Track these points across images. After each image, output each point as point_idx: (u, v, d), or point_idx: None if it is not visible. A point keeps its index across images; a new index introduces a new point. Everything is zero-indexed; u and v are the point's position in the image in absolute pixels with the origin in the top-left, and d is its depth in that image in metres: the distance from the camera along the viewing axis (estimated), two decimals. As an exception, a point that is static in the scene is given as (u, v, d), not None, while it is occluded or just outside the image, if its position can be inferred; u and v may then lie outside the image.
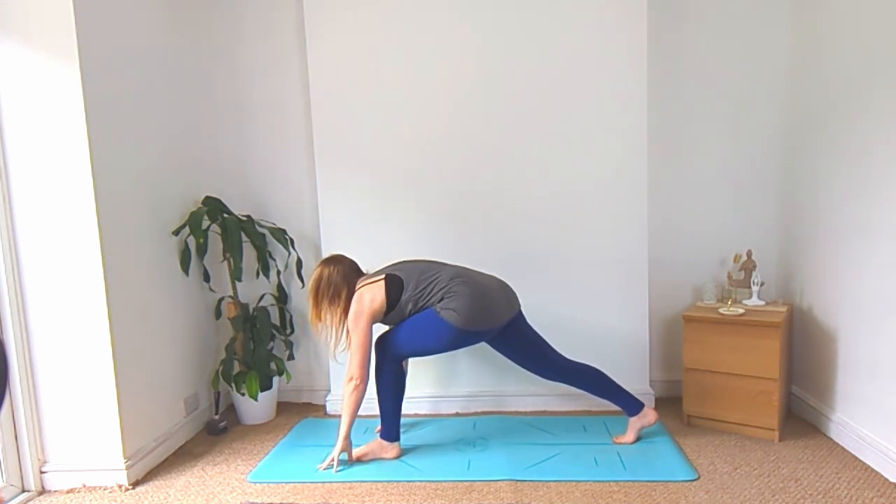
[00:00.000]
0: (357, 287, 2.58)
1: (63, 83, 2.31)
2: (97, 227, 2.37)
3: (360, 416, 3.10)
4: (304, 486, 2.43)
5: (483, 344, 2.89)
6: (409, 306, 2.54)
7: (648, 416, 2.71)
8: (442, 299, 2.49)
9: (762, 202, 3.18)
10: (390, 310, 2.55)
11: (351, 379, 2.49)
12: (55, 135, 2.34)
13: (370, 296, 2.53)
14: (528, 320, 3.06)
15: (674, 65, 3.13)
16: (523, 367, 2.73)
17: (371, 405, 2.85)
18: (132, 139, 2.63)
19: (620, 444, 2.69)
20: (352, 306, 2.54)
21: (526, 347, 2.68)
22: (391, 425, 2.63)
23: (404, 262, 2.70)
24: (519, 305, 2.68)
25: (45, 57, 2.30)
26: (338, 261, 2.66)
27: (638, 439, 2.71)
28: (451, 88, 3.02)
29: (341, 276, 2.60)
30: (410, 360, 2.91)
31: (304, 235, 3.28)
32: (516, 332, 2.66)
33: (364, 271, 2.69)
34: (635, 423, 2.70)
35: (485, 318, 2.51)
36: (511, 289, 2.66)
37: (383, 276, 2.56)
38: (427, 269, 2.58)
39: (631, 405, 2.71)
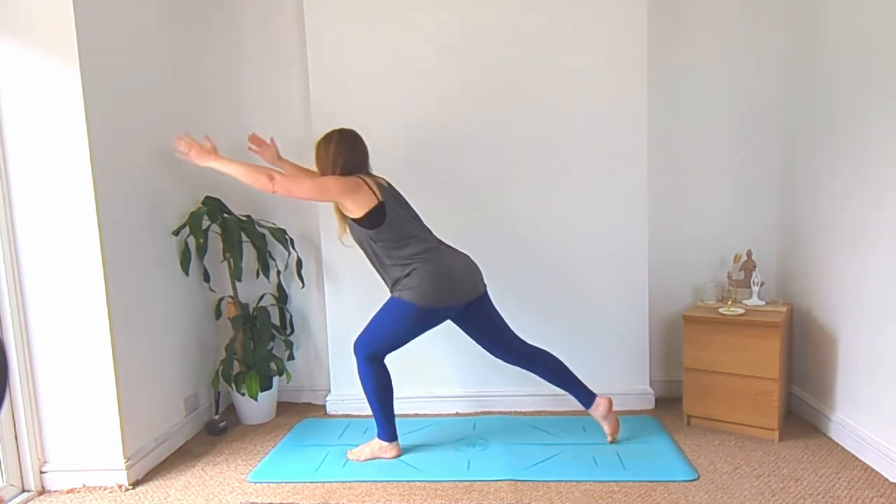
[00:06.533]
0: (361, 176, 2.51)
1: (63, 83, 2.30)
2: (97, 227, 2.37)
3: (360, 417, 3.12)
4: (304, 486, 2.43)
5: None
6: (374, 245, 2.50)
7: (601, 406, 2.69)
8: (401, 278, 2.48)
9: (762, 202, 3.18)
10: (359, 223, 2.48)
11: (274, 181, 2.40)
12: (55, 135, 2.34)
13: (362, 200, 2.44)
14: (528, 319, 3.06)
15: (674, 65, 3.12)
16: (483, 346, 2.71)
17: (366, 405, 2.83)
18: (132, 139, 2.63)
19: (612, 442, 2.69)
20: (350, 180, 2.46)
21: (487, 327, 2.66)
22: (386, 425, 2.63)
23: (400, 204, 2.57)
24: (484, 286, 2.65)
25: (45, 57, 2.30)
26: (353, 140, 2.56)
27: (617, 424, 2.71)
28: (450, 88, 3.02)
29: (346, 156, 2.52)
30: (411, 359, 2.91)
31: (304, 235, 3.28)
32: (479, 312, 2.64)
33: (370, 170, 2.62)
34: (596, 415, 2.70)
35: (445, 296, 2.48)
36: (477, 268, 2.63)
37: (378, 202, 2.46)
38: (406, 231, 2.52)
39: (585, 397, 2.70)
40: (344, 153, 2.52)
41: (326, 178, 2.47)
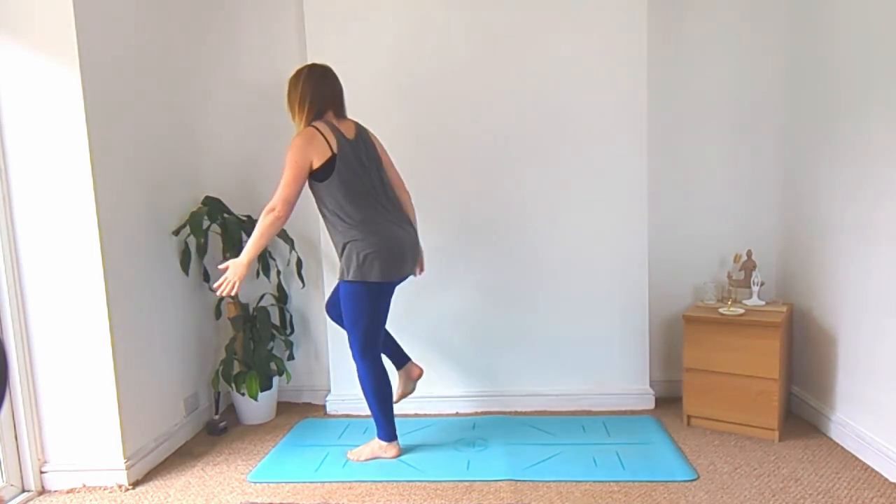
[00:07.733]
0: (316, 123, 2.40)
1: (63, 83, 2.31)
2: (97, 228, 2.37)
3: (360, 417, 3.12)
4: (304, 486, 2.43)
5: (483, 344, 2.89)
6: (321, 208, 2.46)
7: (412, 371, 2.77)
8: (343, 248, 2.42)
9: (762, 202, 3.17)
10: (313, 177, 2.39)
11: (272, 209, 2.32)
12: (55, 135, 2.34)
13: (317, 150, 2.33)
14: (527, 319, 3.07)
15: (674, 64, 3.12)
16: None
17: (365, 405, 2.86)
18: (132, 139, 2.63)
19: (396, 402, 2.71)
20: (299, 138, 2.36)
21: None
22: (385, 426, 2.62)
23: (360, 159, 2.44)
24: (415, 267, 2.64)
25: (45, 57, 2.30)
26: (324, 75, 2.48)
27: (411, 391, 2.80)
28: (450, 88, 3.02)
29: (314, 92, 2.43)
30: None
31: (304, 235, 3.28)
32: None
33: (344, 115, 2.52)
34: (403, 375, 2.76)
35: (387, 271, 2.42)
36: (419, 248, 2.61)
37: (332, 153, 2.36)
38: (355, 190, 2.41)
39: (401, 360, 2.77)
40: (312, 89, 2.43)
41: (287, 159, 2.35)
